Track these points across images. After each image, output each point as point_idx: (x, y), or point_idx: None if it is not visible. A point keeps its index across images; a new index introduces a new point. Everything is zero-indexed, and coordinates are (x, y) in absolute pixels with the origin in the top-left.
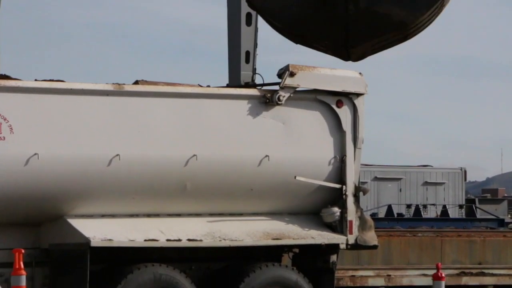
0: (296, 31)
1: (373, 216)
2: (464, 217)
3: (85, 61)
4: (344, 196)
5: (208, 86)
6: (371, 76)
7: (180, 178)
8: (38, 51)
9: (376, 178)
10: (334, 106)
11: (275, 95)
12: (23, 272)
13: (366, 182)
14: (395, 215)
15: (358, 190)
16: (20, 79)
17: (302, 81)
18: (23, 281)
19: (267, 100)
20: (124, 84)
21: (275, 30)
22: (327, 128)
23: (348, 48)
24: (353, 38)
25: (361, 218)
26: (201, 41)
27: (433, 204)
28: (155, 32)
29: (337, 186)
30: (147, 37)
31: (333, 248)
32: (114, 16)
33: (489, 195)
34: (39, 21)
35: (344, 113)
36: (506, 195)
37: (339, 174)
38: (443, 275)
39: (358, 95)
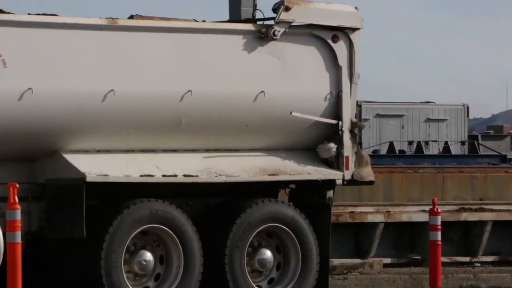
0: None
1: (375, 152)
2: (466, 153)
3: None
4: (340, 132)
5: (204, 21)
6: (381, 13)
7: (175, 114)
8: None
9: (378, 115)
10: (329, 41)
11: (270, 30)
12: (18, 206)
13: (368, 119)
14: (397, 152)
15: (354, 125)
16: (13, 13)
17: (297, 16)
18: (18, 215)
19: (262, 35)
20: (117, 18)
21: None
22: (323, 63)
23: None
24: None
25: (357, 154)
26: None
27: (435, 141)
28: None
29: (333, 121)
30: None
31: (330, 183)
32: None
33: (492, 131)
34: None
35: (340, 48)
36: (511, 131)
37: (335, 110)
38: (439, 210)
39: (354, 29)
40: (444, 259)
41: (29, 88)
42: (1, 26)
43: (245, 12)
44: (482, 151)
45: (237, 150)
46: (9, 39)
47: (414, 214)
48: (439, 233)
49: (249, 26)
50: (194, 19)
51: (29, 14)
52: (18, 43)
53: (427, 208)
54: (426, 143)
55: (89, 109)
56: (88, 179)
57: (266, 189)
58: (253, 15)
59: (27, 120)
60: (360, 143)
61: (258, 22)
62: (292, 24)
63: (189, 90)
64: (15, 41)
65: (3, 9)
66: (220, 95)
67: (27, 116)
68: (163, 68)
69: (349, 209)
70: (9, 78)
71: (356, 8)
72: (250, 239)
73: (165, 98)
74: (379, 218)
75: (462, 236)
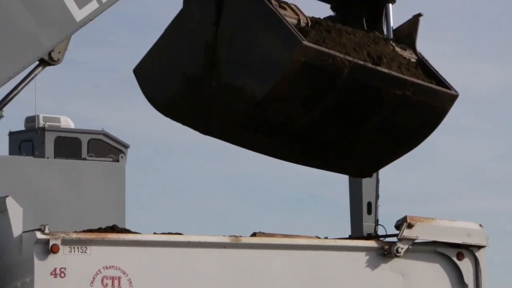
0: (170, 116)
1: None
2: None
3: (204, 212)
4: None
5: (326, 237)
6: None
7: None
8: (160, 203)
9: None
10: (454, 259)
11: (393, 247)
12: None
13: None
14: None
15: None
16: (139, 233)
17: (420, 233)
18: None
19: (385, 252)
20: (241, 236)
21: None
22: (448, 281)
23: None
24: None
25: None
26: (323, 193)
27: None
28: (279, 182)
29: None
30: (271, 188)
31: None
32: (239, 168)
33: None
34: (165, 174)
35: (466, 266)
36: None
37: None
38: None
39: (479, 247)
40: None
41: None
42: (127, 246)
43: (367, 227)
44: None
45: None
46: (135, 259)
47: None
48: None
49: (372, 243)
50: (316, 236)
51: (154, 233)
52: (144, 263)
53: None
54: None
55: None
56: None
57: None
58: (375, 230)
59: None
60: None
61: (381, 239)
62: (416, 241)
63: None
64: (140, 261)
65: (130, 229)
66: None
67: None
68: (285, 285)
69: None
70: None
71: (480, 225)
72: None
73: None
74: None
75: None
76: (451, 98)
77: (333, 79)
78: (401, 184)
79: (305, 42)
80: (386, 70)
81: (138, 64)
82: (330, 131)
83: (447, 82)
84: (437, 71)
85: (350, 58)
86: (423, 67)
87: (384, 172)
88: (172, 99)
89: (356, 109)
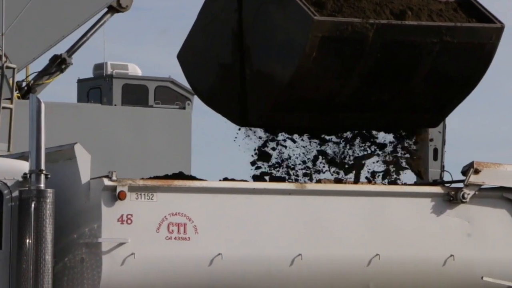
0: (210, 106)
1: None
2: None
3: None
4: None
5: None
6: None
7: (362, 278)
8: (225, 151)
9: None
10: None
11: (460, 193)
12: None
13: None
14: None
15: None
16: (205, 179)
17: (487, 179)
18: None
19: (451, 198)
20: (305, 183)
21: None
22: None
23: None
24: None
25: None
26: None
27: None
28: None
29: None
30: None
31: None
32: None
33: None
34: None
35: None
36: None
37: None
38: None
39: None
40: None
41: (219, 254)
42: (193, 192)
43: (433, 173)
44: None
45: None
46: (200, 206)
47: None
48: None
49: (437, 189)
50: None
51: (220, 180)
52: (209, 209)
53: None
54: None
55: (277, 274)
56: None
57: None
58: (441, 177)
59: (217, 286)
60: None
61: (446, 185)
62: (482, 187)
63: (376, 254)
64: (206, 207)
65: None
66: (408, 259)
67: (217, 281)
68: (351, 232)
69: None
70: (200, 244)
71: None
72: None
73: (352, 262)
74: None
75: None
76: (497, 31)
77: (360, 45)
78: (469, 130)
79: (317, 17)
80: (414, 22)
81: (181, 48)
82: (378, 94)
83: (491, 15)
84: (480, 4)
85: (372, 21)
86: (465, 6)
87: (452, 118)
88: (211, 89)
89: (397, 68)
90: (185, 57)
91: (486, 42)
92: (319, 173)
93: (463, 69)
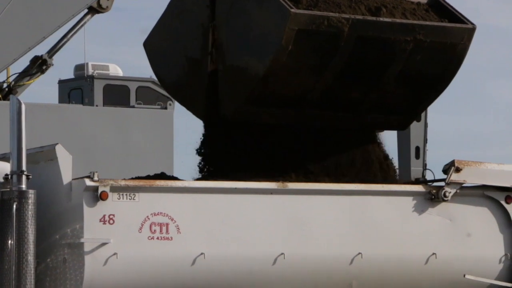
0: (176, 98)
1: None
2: None
3: None
4: None
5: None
6: None
7: (345, 277)
8: None
9: None
10: (503, 202)
11: (441, 192)
12: None
13: None
14: None
15: None
16: (185, 180)
17: (468, 177)
18: None
19: (433, 197)
20: (287, 182)
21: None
22: (496, 225)
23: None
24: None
25: None
26: None
27: None
28: None
29: (509, 285)
30: None
31: None
32: None
33: None
34: None
35: None
36: None
37: (511, 273)
38: None
39: None
40: None
41: (202, 253)
42: (175, 192)
43: (415, 172)
44: None
45: None
46: (182, 205)
47: None
48: None
49: (419, 188)
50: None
51: (199, 180)
52: (191, 209)
53: None
54: None
55: (260, 273)
56: None
57: None
58: (423, 175)
59: (200, 285)
60: None
61: (428, 183)
62: (463, 185)
63: (359, 253)
64: (188, 207)
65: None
66: (390, 257)
67: (200, 280)
68: (333, 231)
69: None
70: (183, 243)
71: None
72: None
73: (335, 261)
74: None
75: None
76: (469, 32)
77: (335, 40)
78: (450, 129)
79: (294, 10)
80: (388, 19)
81: (148, 36)
82: (350, 91)
83: (463, 16)
84: (451, 7)
85: (347, 16)
86: (436, 7)
87: (433, 117)
88: (178, 81)
89: (370, 65)
90: (152, 45)
91: (458, 42)
92: None
93: (434, 69)
